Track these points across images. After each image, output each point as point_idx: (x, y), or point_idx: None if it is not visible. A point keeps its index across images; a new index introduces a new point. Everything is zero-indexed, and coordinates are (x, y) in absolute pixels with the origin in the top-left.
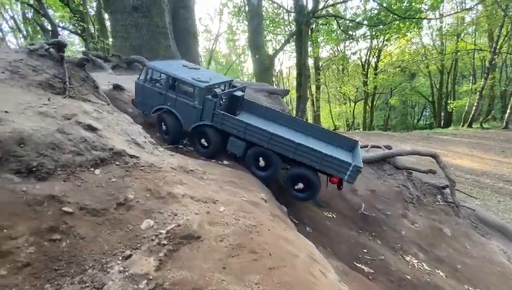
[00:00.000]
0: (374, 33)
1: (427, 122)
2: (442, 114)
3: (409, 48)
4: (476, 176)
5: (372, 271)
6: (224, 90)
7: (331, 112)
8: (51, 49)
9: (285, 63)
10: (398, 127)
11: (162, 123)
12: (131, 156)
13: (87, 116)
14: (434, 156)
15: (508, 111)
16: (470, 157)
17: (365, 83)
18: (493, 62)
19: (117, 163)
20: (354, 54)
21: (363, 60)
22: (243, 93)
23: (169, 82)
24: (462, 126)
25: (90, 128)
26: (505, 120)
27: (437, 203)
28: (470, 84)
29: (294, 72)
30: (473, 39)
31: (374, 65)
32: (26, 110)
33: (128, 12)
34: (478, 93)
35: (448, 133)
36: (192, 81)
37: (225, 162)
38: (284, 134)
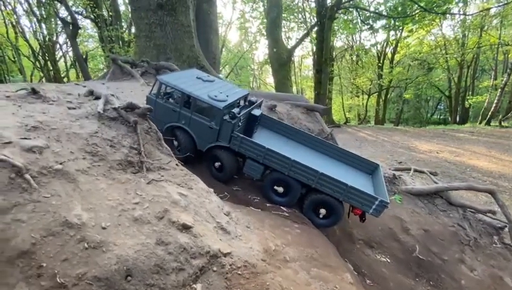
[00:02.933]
0: (395, 24)
1: (441, 117)
2: (459, 110)
3: (428, 39)
4: (494, 179)
5: None
6: (241, 107)
7: (343, 105)
8: (122, 111)
9: (297, 51)
10: (411, 121)
11: (174, 139)
12: (225, 255)
13: (177, 209)
14: (492, 193)
15: None
16: (487, 157)
17: (380, 76)
18: None
19: (214, 269)
20: (373, 45)
21: (380, 51)
22: (260, 112)
23: (184, 99)
24: (480, 123)
25: (185, 227)
26: None
27: (494, 245)
28: (492, 79)
29: (306, 62)
30: (498, 32)
31: (390, 57)
32: (120, 217)
33: (153, 10)
34: (500, 89)
35: (464, 131)
36: (210, 100)
37: (283, 209)
38: (302, 155)
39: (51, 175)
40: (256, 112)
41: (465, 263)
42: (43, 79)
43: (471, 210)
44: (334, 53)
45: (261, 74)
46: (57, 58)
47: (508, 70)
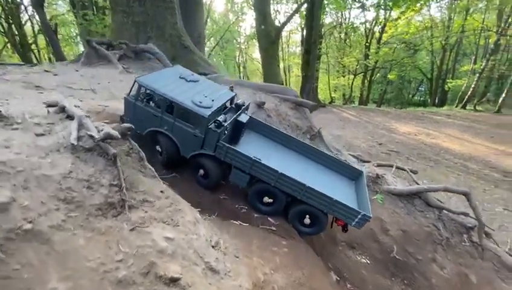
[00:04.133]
0: (386, 2)
1: (422, 99)
2: (439, 92)
3: (415, 20)
4: (464, 161)
5: None
6: (227, 111)
7: (329, 84)
8: (100, 143)
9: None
10: (393, 101)
11: (157, 144)
12: None
13: (164, 259)
14: (466, 195)
15: (503, 95)
16: (460, 140)
17: (367, 56)
18: (498, 42)
19: None
20: (362, 23)
21: (368, 30)
22: (248, 117)
23: (166, 104)
24: (456, 107)
25: (172, 280)
26: (498, 104)
27: (463, 243)
28: (471, 64)
29: (294, 37)
30: (482, 16)
31: (378, 36)
32: (103, 281)
33: None
34: (478, 74)
35: (442, 114)
36: (194, 107)
37: (270, 219)
38: (289, 161)
39: (20, 239)
40: (243, 118)
41: (436, 262)
42: (8, 44)
43: (447, 210)
44: (322, 30)
45: (247, 48)
46: (23, 22)
47: (487, 55)
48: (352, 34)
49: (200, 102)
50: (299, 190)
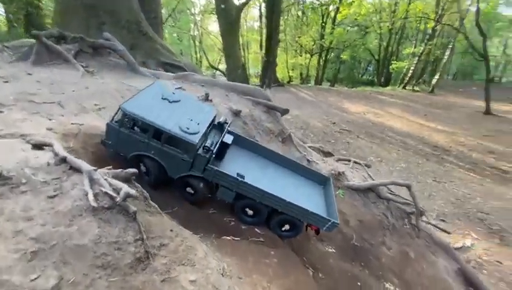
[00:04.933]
0: None
1: (370, 78)
2: (384, 72)
3: (366, 1)
4: (403, 137)
5: None
6: (211, 131)
7: (287, 62)
8: (122, 203)
9: None
10: (345, 81)
11: (142, 165)
12: None
13: None
14: (408, 187)
15: (436, 77)
16: (400, 119)
17: (322, 36)
18: (435, 28)
19: None
20: (321, 5)
21: (323, 10)
22: (232, 138)
23: (153, 131)
24: (398, 87)
25: None
26: (432, 85)
27: (404, 226)
28: (413, 47)
29: (253, 12)
30: (423, 3)
31: (332, 16)
32: None
33: None
34: (417, 57)
35: (386, 94)
36: (183, 135)
37: (257, 230)
38: (268, 174)
39: None
40: (228, 139)
41: (385, 245)
42: None
43: (395, 201)
44: (281, 6)
45: (202, 20)
46: None
47: (426, 40)
48: (309, 13)
49: (188, 128)
50: (280, 204)
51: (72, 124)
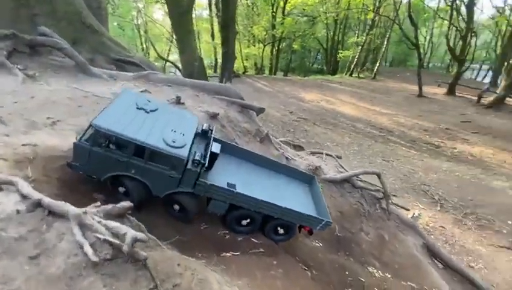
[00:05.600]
0: None
1: (319, 67)
2: (332, 61)
3: None
4: (353, 122)
5: None
6: (196, 141)
7: (241, 53)
8: (132, 249)
9: None
10: (297, 70)
11: (121, 187)
12: None
13: None
14: (378, 175)
15: (377, 64)
16: (349, 104)
17: (274, 26)
18: (375, 18)
19: None
20: None
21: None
22: (220, 146)
23: (134, 148)
24: (346, 74)
25: None
26: (374, 72)
27: (376, 211)
28: (356, 37)
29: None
30: None
31: (282, 6)
32: None
33: None
34: (360, 46)
35: (335, 81)
36: (170, 149)
37: (253, 240)
38: (257, 179)
39: None
40: (216, 148)
41: (363, 231)
42: None
43: (368, 190)
44: None
45: (146, 7)
46: None
47: (367, 30)
48: (259, 2)
49: (173, 141)
50: (276, 211)
51: (23, 145)
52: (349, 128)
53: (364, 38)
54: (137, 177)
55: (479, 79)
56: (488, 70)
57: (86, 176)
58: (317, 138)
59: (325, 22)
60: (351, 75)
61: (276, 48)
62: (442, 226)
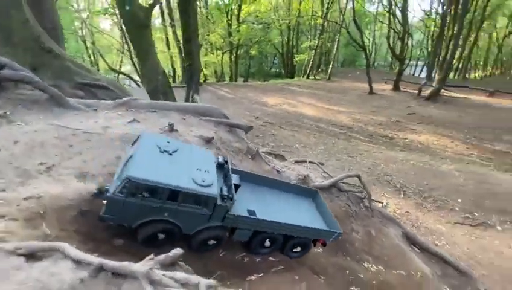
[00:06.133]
0: None
1: (277, 71)
2: (289, 65)
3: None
4: (316, 122)
5: (358, 289)
6: (220, 176)
7: (199, 61)
8: None
9: None
10: (257, 75)
11: (159, 233)
12: None
13: None
14: (358, 177)
15: (330, 66)
16: (310, 106)
17: (230, 34)
18: (324, 24)
19: None
20: (228, 5)
21: (227, 8)
22: (238, 177)
23: (168, 193)
24: (303, 77)
25: None
26: (328, 73)
27: (361, 209)
28: (309, 41)
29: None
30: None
31: (236, 14)
32: None
33: None
34: (313, 50)
35: (294, 84)
36: (202, 190)
37: (271, 259)
38: (272, 202)
39: None
40: (236, 179)
41: (354, 230)
42: None
43: (352, 192)
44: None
45: (91, 17)
46: None
47: (318, 34)
48: (213, 11)
49: (203, 180)
50: (296, 231)
51: (25, 199)
52: (313, 128)
53: (316, 42)
54: (169, 220)
55: (416, 74)
56: (423, 66)
57: (116, 225)
58: (285, 141)
59: (279, 28)
60: (307, 77)
61: (235, 55)
62: (407, 212)
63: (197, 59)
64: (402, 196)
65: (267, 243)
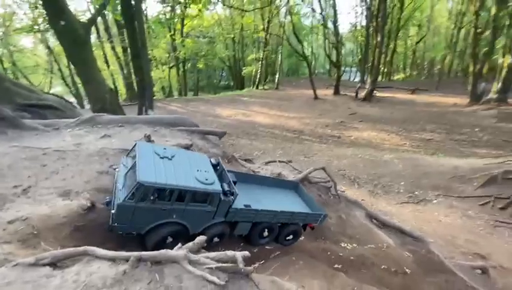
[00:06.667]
0: None
1: (226, 83)
2: (238, 77)
3: (206, 15)
4: (270, 129)
5: (340, 265)
6: (220, 177)
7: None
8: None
9: None
10: (206, 88)
11: (168, 236)
12: None
13: None
14: (324, 169)
15: (277, 76)
16: (262, 114)
17: (175, 48)
18: (267, 36)
19: None
20: (169, 19)
21: (170, 23)
22: (234, 175)
23: (176, 194)
24: (252, 88)
25: None
26: (276, 83)
27: (330, 198)
28: (254, 53)
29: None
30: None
31: (180, 28)
32: None
33: None
34: (260, 61)
35: (245, 95)
36: (207, 187)
37: (268, 247)
38: (266, 196)
39: None
40: (232, 177)
41: (328, 216)
42: None
43: (321, 183)
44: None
45: (8, 36)
46: None
47: (262, 47)
48: (154, 26)
49: (206, 179)
50: (289, 217)
51: (9, 222)
52: (268, 135)
53: (261, 54)
54: (178, 221)
55: (351, 79)
56: (356, 71)
57: (125, 234)
58: (244, 150)
59: (224, 42)
60: (257, 88)
61: (182, 69)
62: (363, 199)
63: (148, 74)
64: (357, 186)
65: (265, 233)
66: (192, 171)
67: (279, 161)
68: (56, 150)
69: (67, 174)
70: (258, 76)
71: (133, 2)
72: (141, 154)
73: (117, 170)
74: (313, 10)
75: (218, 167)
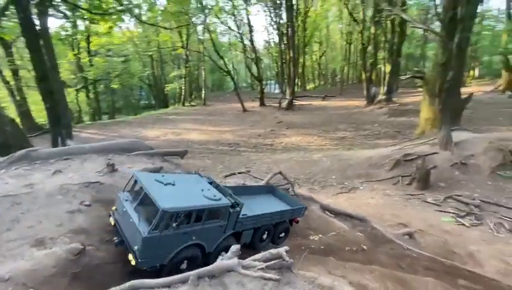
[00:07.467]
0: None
1: (147, 102)
2: (161, 95)
3: (116, 32)
4: (205, 145)
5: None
6: (221, 191)
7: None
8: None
9: None
10: (124, 110)
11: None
12: None
13: None
14: (280, 173)
15: (203, 91)
16: (195, 131)
17: (81, 68)
18: (187, 53)
19: None
20: (70, 35)
21: (72, 40)
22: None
23: (195, 215)
24: (178, 105)
25: None
26: (203, 98)
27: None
28: (175, 70)
29: None
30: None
31: (86, 47)
32: None
33: None
34: (183, 78)
35: (172, 113)
36: (218, 203)
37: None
38: (249, 201)
39: None
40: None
41: None
42: None
43: (280, 186)
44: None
45: None
46: None
47: (184, 63)
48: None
49: (214, 195)
50: (280, 216)
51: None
52: (205, 151)
53: (183, 71)
54: (196, 242)
55: (272, 91)
56: (275, 84)
57: (149, 269)
58: (183, 169)
59: (140, 60)
60: (183, 104)
61: (93, 91)
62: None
63: (63, 98)
64: (298, 187)
65: (265, 236)
66: (198, 191)
67: (239, 173)
68: (4, 195)
69: (31, 220)
70: (184, 93)
71: (37, 21)
72: (148, 184)
73: (114, 207)
74: (230, 28)
75: (212, 183)
